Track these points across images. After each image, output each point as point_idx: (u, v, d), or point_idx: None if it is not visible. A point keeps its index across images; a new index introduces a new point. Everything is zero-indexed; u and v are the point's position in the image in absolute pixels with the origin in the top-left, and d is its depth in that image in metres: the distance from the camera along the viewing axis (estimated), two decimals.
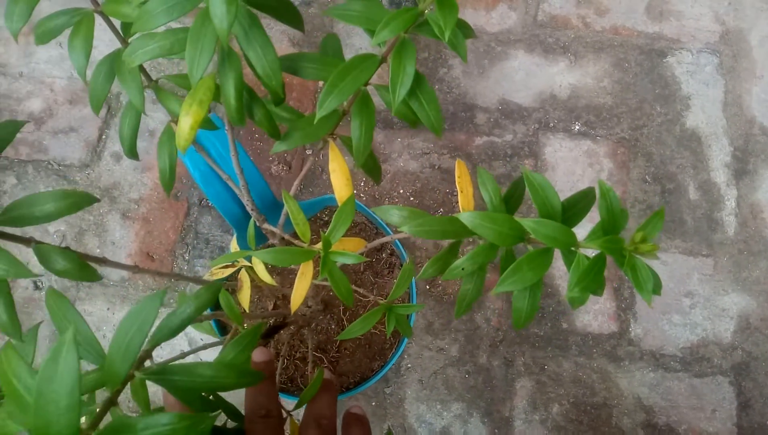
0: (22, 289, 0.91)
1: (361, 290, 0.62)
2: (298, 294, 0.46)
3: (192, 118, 0.38)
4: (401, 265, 0.75)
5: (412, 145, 0.97)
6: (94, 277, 0.39)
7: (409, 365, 0.89)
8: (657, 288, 0.37)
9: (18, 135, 0.95)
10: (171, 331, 0.33)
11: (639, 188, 0.96)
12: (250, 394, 0.42)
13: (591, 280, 0.35)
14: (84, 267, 0.38)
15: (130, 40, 0.46)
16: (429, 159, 0.97)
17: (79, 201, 0.36)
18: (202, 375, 0.30)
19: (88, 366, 0.34)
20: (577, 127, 0.98)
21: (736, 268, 0.93)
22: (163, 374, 0.29)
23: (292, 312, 0.46)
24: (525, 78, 1.01)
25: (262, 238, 0.68)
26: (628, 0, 1.05)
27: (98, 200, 0.38)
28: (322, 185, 0.96)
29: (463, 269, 0.41)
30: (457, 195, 0.94)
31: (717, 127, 0.98)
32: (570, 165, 0.96)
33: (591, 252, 0.38)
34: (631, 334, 0.90)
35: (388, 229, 0.74)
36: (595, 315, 0.91)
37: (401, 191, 0.96)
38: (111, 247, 0.92)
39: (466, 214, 0.39)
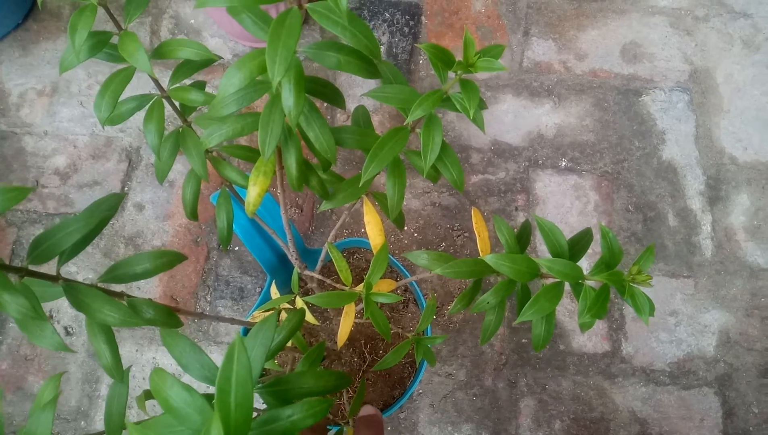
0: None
1: None
2: (344, 331, 0.53)
3: (259, 187, 0.46)
4: (414, 301, 0.83)
5: (414, 185, 1.05)
6: (178, 323, 0.46)
7: (421, 391, 0.96)
8: (651, 310, 0.45)
9: (45, 190, 1.02)
10: (271, 353, 0.39)
11: (623, 217, 1.04)
12: None
13: (599, 308, 0.43)
14: (170, 315, 0.45)
15: (189, 119, 0.54)
16: (430, 197, 1.05)
17: (172, 259, 0.43)
18: (308, 382, 0.36)
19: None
20: (564, 163, 1.07)
21: (714, 287, 1.01)
22: (278, 386, 0.36)
23: (339, 346, 0.53)
24: (514, 120, 1.10)
25: (287, 283, 0.75)
26: (605, 45, 1.15)
27: (186, 258, 0.45)
28: (331, 226, 1.04)
29: (488, 303, 0.49)
30: (457, 230, 1.03)
31: (691, 159, 1.07)
32: (559, 198, 1.05)
33: (592, 283, 0.46)
34: (623, 353, 0.98)
35: (402, 267, 0.81)
36: (589, 336, 0.99)
37: (405, 228, 1.03)
38: (137, 293, 0.99)
39: (490, 256, 0.46)
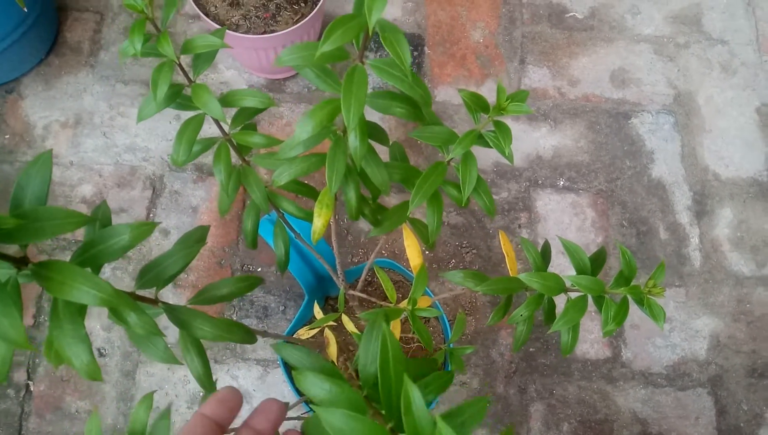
0: None
1: (405, 336, 0.76)
2: None
3: (323, 218, 0.53)
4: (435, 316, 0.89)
5: (424, 205, 1.12)
6: (253, 339, 0.52)
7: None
8: (664, 317, 0.52)
9: None
10: None
11: (618, 232, 1.12)
12: None
13: (621, 317, 0.50)
14: (248, 332, 0.52)
15: (248, 158, 0.60)
16: None
17: (252, 283, 0.50)
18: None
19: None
20: (562, 183, 1.15)
21: (704, 295, 1.10)
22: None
23: None
24: (514, 142, 1.18)
25: (320, 302, 0.81)
26: (595, 72, 1.23)
27: (263, 281, 0.51)
28: (347, 246, 1.10)
29: (521, 315, 0.56)
30: (465, 247, 1.10)
31: (678, 176, 1.16)
32: (558, 215, 1.13)
33: (610, 295, 0.53)
34: (623, 358, 1.06)
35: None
36: (592, 343, 1.06)
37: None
38: None
39: (523, 275, 0.53)
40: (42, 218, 0.36)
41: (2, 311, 0.34)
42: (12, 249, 0.37)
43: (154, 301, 0.48)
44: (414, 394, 0.27)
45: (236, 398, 0.35)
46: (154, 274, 0.46)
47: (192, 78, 0.56)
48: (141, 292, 0.48)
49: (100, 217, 0.44)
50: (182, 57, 0.52)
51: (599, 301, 0.53)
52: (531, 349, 1.05)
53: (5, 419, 0.99)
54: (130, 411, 1.00)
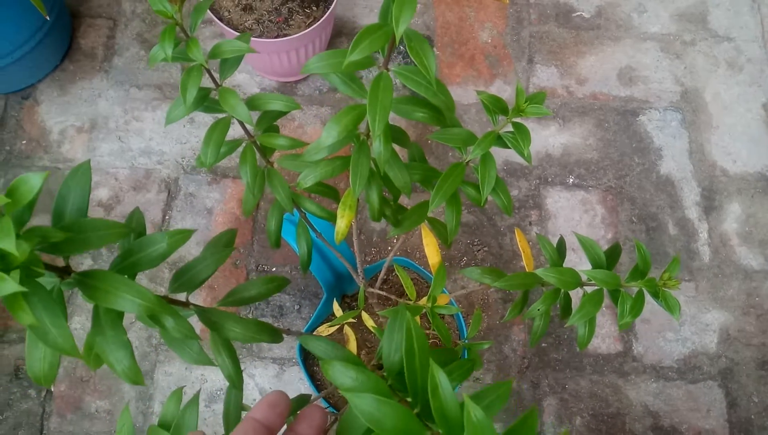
0: None
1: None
2: None
3: (346, 218, 0.54)
4: None
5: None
6: (280, 338, 0.54)
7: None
8: (679, 309, 0.54)
9: None
10: None
11: (627, 228, 1.14)
12: None
13: (638, 309, 0.52)
14: (275, 331, 0.53)
15: (271, 160, 0.62)
16: None
17: (281, 284, 0.52)
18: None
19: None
20: (571, 180, 1.16)
21: (713, 290, 1.11)
22: None
23: None
24: None
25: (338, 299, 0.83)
26: (602, 70, 1.25)
27: (290, 282, 0.53)
28: (360, 245, 1.12)
29: (539, 310, 0.57)
30: (477, 245, 1.11)
31: (686, 172, 1.17)
32: (569, 212, 1.14)
33: (625, 288, 0.55)
34: (634, 352, 1.07)
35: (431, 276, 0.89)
36: (603, 338, 1.07)
37: None
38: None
39: (541, 270, 0.55)
40: (86, 230, 0.37)
41: (51, 320, 0.36)
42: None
43: (185, 304, 0.50)
44: (440, 377, 0.28)
45: (286, 402, 0.36)
46: (186, 278, 0.48)
47: (219, 82, 0.57)
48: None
49: (134, 226, 0.46)
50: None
51: (615, 294, 0.55)
52: (543, 345, 1.06)
53: (27, 419, 1.01)
54: (148, 410, 1.01)
